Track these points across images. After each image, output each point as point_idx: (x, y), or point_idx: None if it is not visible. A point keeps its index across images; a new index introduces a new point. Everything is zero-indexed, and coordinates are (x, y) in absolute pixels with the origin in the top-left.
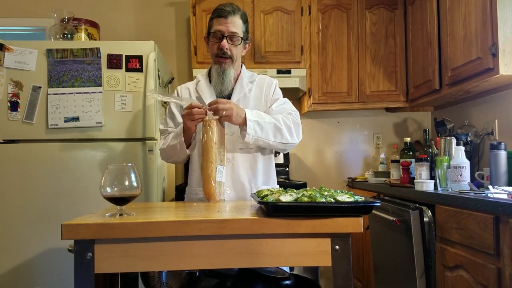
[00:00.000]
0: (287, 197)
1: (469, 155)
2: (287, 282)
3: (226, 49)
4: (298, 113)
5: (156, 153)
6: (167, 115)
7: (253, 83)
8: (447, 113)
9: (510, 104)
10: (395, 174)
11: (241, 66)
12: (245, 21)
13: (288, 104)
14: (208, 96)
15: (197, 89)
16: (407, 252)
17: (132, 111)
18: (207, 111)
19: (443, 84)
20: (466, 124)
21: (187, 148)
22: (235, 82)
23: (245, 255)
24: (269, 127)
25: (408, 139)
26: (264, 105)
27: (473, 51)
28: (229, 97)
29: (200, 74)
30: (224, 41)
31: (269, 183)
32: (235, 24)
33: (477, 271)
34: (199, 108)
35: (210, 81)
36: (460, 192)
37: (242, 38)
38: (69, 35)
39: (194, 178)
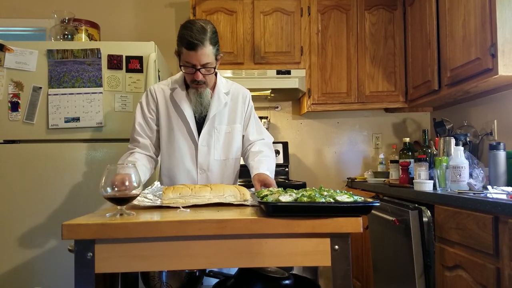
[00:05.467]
0: (286, 197)
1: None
2: (287, 282)
3: (201, 79)
4: (267, 131)
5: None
6: (137, 120)
7: (228, 95)
8: (446, 113)
9: (509, 104)
10: (394, 174)
11: (216, 74)
12: (215, 42)
13: (259, 123)
14: (189, 115)
15: (174, 96)
16: (407, 252)
17: (133, 111)
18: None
19: (442, 85)
20: (465, 124)
21: None
22: (212, 96)
23: (245, 255)
24: (273, 167)
25: (407, 139)
26: (240, 116)
27: (472, 51)
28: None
29: (173, 78)
30: (198, 73)
31: (236, 183)
32: (206, 55)
33: (476, 271)
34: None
35: (186, 90)
36: (459, 192)
37: (215, 63)
38: (69, 36)
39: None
